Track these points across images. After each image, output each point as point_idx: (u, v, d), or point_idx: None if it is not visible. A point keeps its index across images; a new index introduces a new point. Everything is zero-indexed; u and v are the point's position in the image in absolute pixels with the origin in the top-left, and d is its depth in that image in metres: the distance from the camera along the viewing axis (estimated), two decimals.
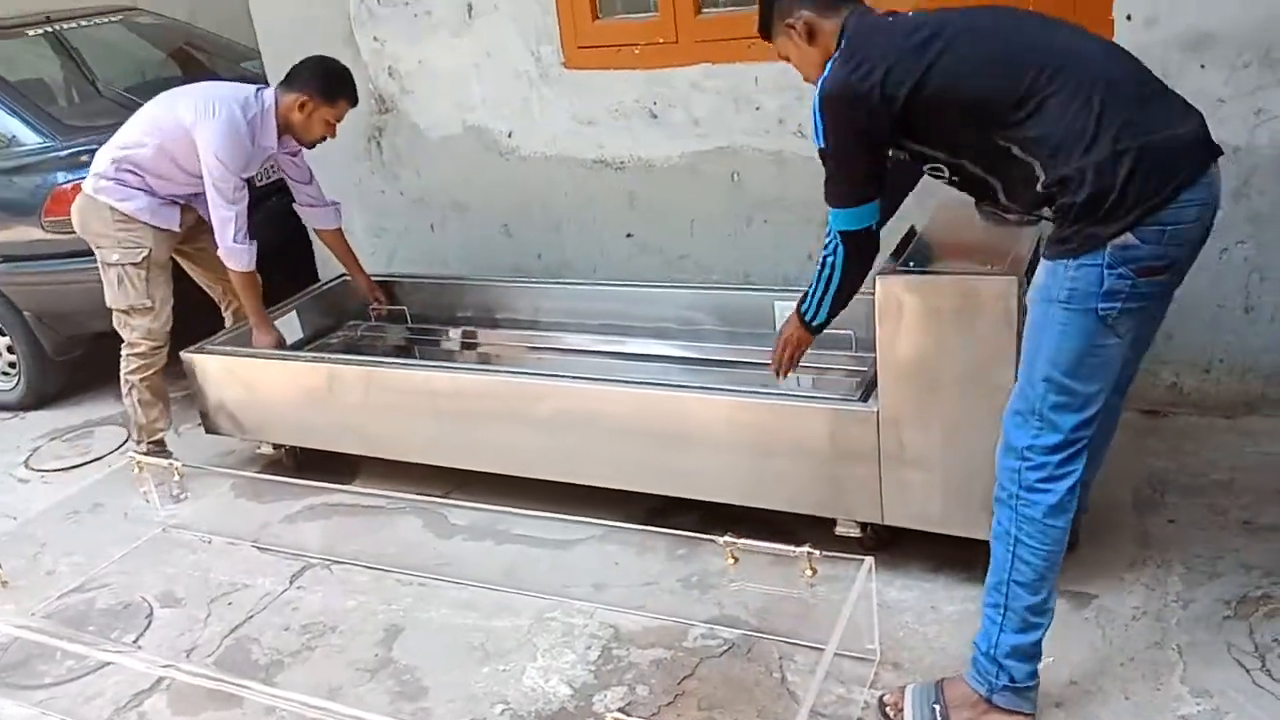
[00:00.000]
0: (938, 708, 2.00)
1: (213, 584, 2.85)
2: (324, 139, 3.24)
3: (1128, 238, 1.73)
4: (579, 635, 2.44)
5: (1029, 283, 2.03)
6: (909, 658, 2.23)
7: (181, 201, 3.27)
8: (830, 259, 2.13)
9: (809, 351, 2.42)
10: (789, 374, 2.42)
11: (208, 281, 3.50)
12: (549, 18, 3.54)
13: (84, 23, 4.66)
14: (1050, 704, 2.04)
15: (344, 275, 3.82)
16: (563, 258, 3.85)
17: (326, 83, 3.13)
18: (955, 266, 2.22)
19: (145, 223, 3.21)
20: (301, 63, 3.18)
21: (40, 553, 3.14)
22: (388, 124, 3.99)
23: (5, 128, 3.93)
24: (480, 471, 3.00)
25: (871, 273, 2.21)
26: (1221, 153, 1.81)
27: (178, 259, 3.42)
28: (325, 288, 3.83)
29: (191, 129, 3.08)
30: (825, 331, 2.33)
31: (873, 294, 2.25)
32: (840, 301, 2.21)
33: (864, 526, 2.51)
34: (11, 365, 4.22)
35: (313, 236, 4.21)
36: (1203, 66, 2.78)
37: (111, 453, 3.78)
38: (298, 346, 3.56)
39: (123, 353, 3.33)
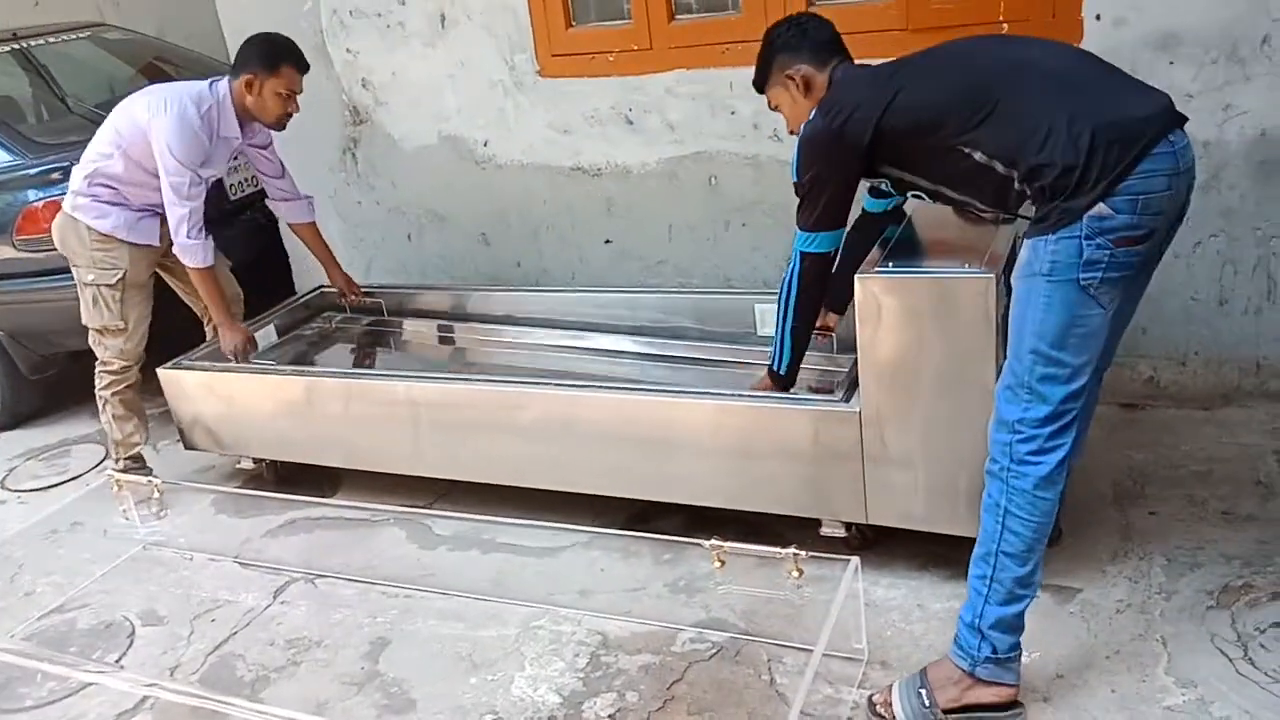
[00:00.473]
0: (923, 692, 2.01)
1: (195, 601, 2.82)
2: (288, 115, 3.15)
3: (1101, 208, 1.80)
4: (567, 643, 2.43)
5: (1007, 280, 2.06)
6: (897, 656, 2.24)
7: (161, 212, 3.23)
8: (787, 279, 2.33)
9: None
10: None
11: (190, 297, 3.47)
12: (522, 26, 3.54)
13: (52, 39, 4.61)
14: (1037, 699, 2.06)
15: (321, 287, 3.80)
16: (541, 265, 3.85)
17: (266, 54, 3.07)
18: (933, 266, 2.23)
19: (123, 240, 3.17)
20: (242, 44, 3.13)
21: (18, 573, 3.10)
22: (362, 135, 3.98)
23: None
24: (463, 481, 2.99)
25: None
26: (1185, 119, 1.86)
27: (160, 273, 3.38)
28: (302, 300, 3.80)
29: (147, 128, 3.05)
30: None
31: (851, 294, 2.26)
32: (799, 336, 2.39)
33: (849, 526, 2.52)
34: None
35: (289, 248, 4.20)
36: (1171, 63, 2.81)
37: (89, 471, 3.74)
38: (272, 345, 3.54)
39: (96, 369, 3.31)
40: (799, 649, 2.28)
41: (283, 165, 3.46)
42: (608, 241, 3.71)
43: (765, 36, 2.32)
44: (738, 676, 2.25)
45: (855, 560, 2.17)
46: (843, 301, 2.44)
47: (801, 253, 2.28)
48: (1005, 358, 1.98)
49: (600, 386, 2.78)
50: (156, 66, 4.84)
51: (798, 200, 2.24)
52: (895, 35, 3.03)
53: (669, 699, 2.21)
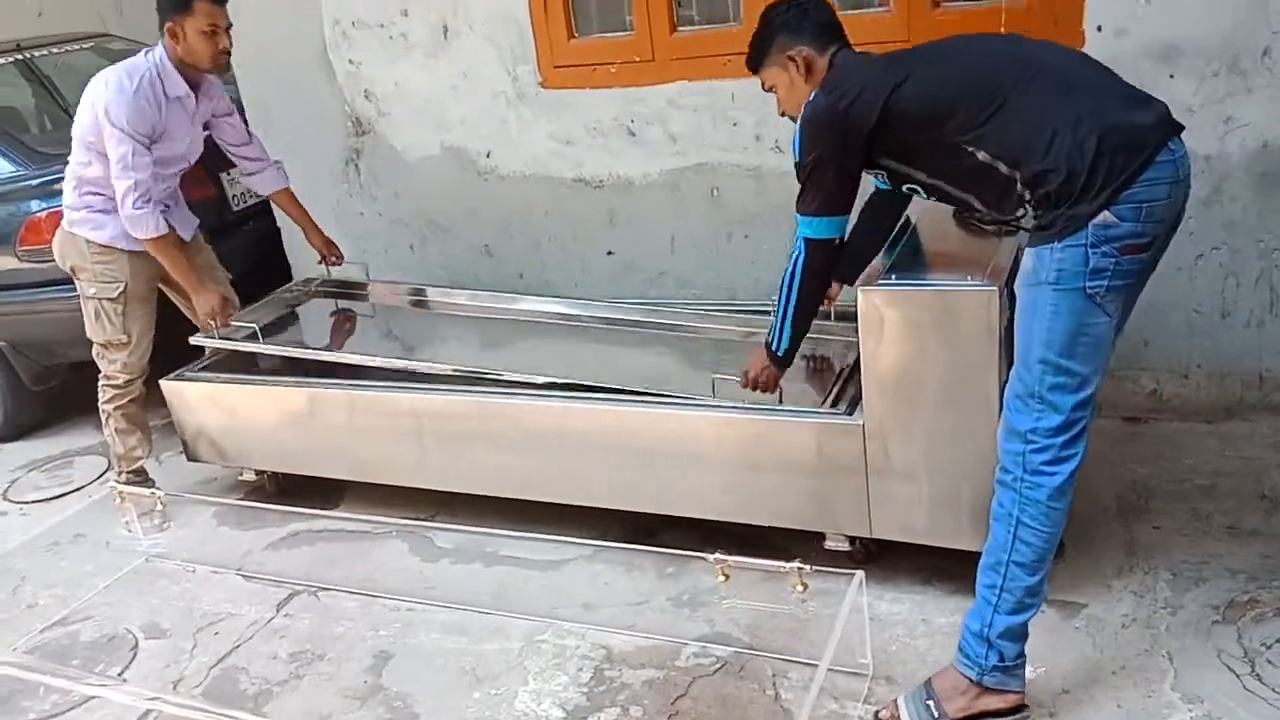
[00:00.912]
0: (931, 704, 2.01)
1: (198, 614, 2.82)
2: (223, 52, 3.03)
3: (1106, 216, 1.81)
4: (570, 657, 2.43)
5: (1010, 292, 2.06)
6: (902, 671, 2.23)
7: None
8: (791, 269, 2.26)
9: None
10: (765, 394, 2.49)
11: (191, 312, 3.42)
12: (525, 38, 3.55)
13: (55, 50, 4.62)
14: (1043, 715, 2.05)
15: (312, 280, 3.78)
16: (544, 276, 3.85)
17: None
18: (935, 278, 2.23)
19: (123, 250, 3.16)
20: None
21: (21, 586, 3.10)
22: (365, 146, 3.98)
23: None
24: (466, 493, 2.99)
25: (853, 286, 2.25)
26: (1183, 128, 1.88)
27: (162, 287, 3.36)
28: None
29: (96, 115, 3.01)
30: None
31: (854, 307, 2.26)
32: (800, 321, 2.32)
33: (853, 540, 2.51)
34: None
35: (292, 258, 4.19)
36: (1172, 76, 2.82)
37: (92, 483, 3.74)
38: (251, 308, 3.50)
39: (100, 383, 3.30)
40: (804, 664, 2.27)
41: (249, 132, 3.42)
42: (610, 253, 3.71)
43: (763, 16, 2.27)
44: (742, 691, 2.25)
45: (860, 574, 2.16)
46: (852, 272, 2.35)
47: (806, 239, 2.22)
48: (1011, 367, 1.98)
49: (601, 398, 2.77)
50: None
51: (800, 184, 2.19)
52: (896, 46, 3.02)
53: (673, 714, 2.21)
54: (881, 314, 2.24)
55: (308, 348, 3.30)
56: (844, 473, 2.41)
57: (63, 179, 3.43)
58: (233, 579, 2.96)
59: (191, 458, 3.36)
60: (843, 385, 2.59)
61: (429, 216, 3.98)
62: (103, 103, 2.97)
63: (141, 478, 3.38)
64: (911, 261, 2.33)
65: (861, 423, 2.35)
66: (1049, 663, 2.17)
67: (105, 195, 3.12)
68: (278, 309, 3.56)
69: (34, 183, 3.80)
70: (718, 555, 2.30)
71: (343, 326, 3.61)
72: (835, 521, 2.50)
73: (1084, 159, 1.81)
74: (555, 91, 3.58)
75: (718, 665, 2.34)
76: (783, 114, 2.30)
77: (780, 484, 2.51)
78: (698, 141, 3.43)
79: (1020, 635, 1.98)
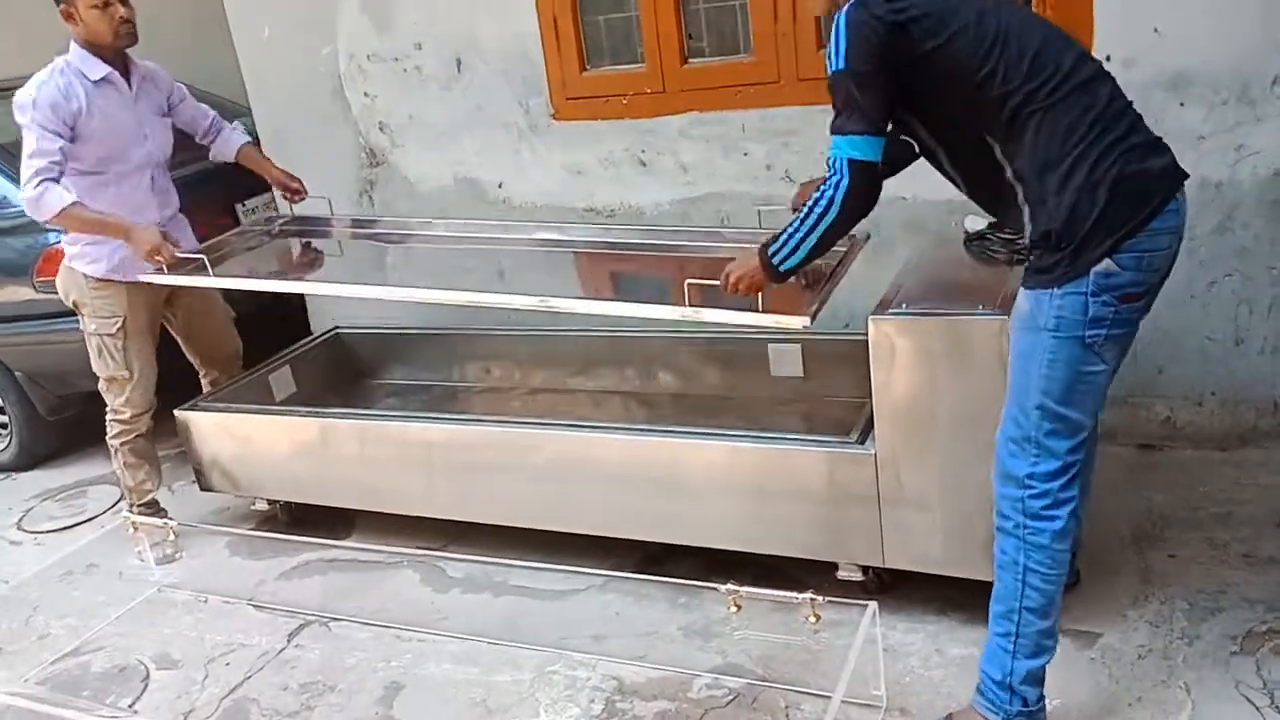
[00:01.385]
0: None
1: (209, 644, 2.82)
2: (124, 22, 2.97)
3: (1109, 265, 1.79)
4: (582, 688, 2.42)
5: None
6: (916, 703, 2.21)
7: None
8: (829, 193, 1.98)
9: None
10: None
11: (188, 349, 3.44)
12: (537, 70, 3.59)
13: None
14: None
15: (336, 328, 3.83)
16: None
17: None
18: (946, 307, 2.23)
19: (120, 281, 3.10)
20: None
21: (33, 615, 3.11)
22: (379, 177, 4.02)
23: None
24: (476, 523, 2.99)
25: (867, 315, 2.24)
26: (1188, 176, 1.88)
27: (165, 325, 3.34)
28: (319, 341, 3.82)
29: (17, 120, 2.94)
30: None
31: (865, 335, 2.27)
32: (821, 248, 2.08)
33: (866, 570, 2.50)
34: (3, 426, 4.20)
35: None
36: (1182, 104, 2.83)
37: (105, 512, 3.75)
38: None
39: (107, 418, 3.29)
40: (817, 695, 2.25)
41: (203, 109, 3.36)
42: None
43: None
44: None
45: (873, 605, 2.15)
46: None
47: (851, 161, 1.93)
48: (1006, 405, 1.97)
49: (612, 428, 2.78)
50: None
51: (835, 98, 1.94)
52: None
53: None
54: (893, 343, 2.24)
55: (260, 278, 3.17)
56: (856, 502, 2.40)
57: None
58: (244, 609, 2.96)
59: (204, 487, 3.37)
60: (823, 295, 2.40)
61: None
62: (16, 103, 2.92)
63: (153, 509, 3.38)
64: (922, 290, 2.34)
65: (874, 452, 2.34)
66: (1064, 694, 2.15)
67: None
68: (233, 245, 3.39)
69: None
70: (730, 586, 2.29)
71: (301, 260, 3.48)
72: (847, 551, 2.48)
73: (1095, 204, 1.78)
74: (567, 123, 3.61)
75: (730, 697, 2.32)
76: (818, 17, 2.17)
77: (792, 513, 2.50)
78: (708, 171, 3.45)
79: (1040, 678, 1.97)
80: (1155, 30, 2.78)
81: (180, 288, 3.24)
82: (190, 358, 3.47)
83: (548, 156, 3.69)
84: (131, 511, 3.34)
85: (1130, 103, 1.90)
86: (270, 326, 3.97)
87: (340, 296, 3.31)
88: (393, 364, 3.79)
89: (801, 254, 2.10)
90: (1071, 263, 1.81)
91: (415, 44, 3.75)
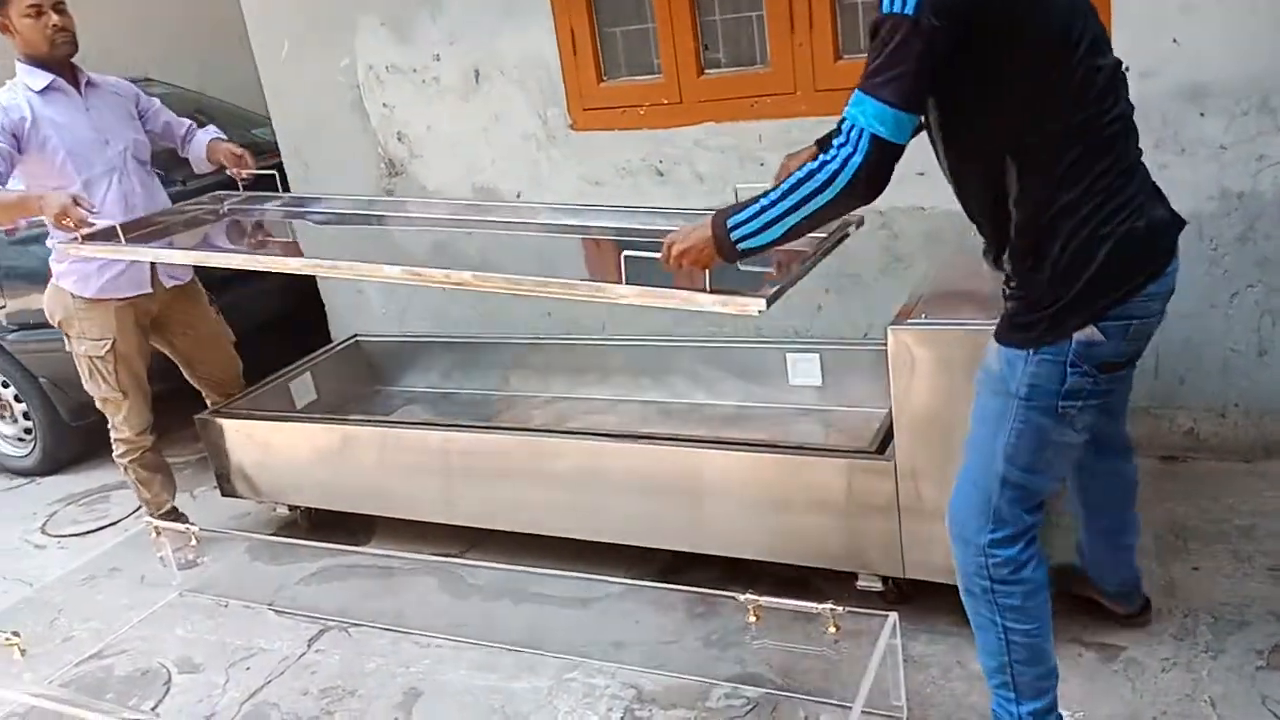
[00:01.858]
0: None
1: (230, 648, 2.84)
2: (59, 30, 2.92)
3: (1092, 332, 1.65)
4: (600, 696, 2.42)
5: None
6: (937, 715, 2.21)
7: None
8: (833, 166, 1.63)
9: None
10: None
11: (189, 375, 3.40)
12: (555, 81, 3.61)
13: None
14: None
15: (356, 336, 3.85)
16: (572, 314, 3.88)
17: None
18: (966, 318, 2.23)
19: (109, 301, 3.06)
20: None
21: (57, 618, 3.13)
22: (397, 187, 4.05)
23: None
24: (496, 530, 3.00)
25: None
26: (1186, 224, 1.75)
27: (163, 349, 3.30)
28: (339, 349, 3.84)
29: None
30: None
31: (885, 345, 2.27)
32: (799, 230, 1.73)
33: (885, 580, 2.49)
34: (28, 431, 4.25)
35: (328, 302, 4.26)
36: (1202, 115, 2.82)
37: (127, 517, 3.78)
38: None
39: (111, 436, 3.28)
40: (836, 705, 2.25)
41: (178, 118, 3.35)
42: None
43: None
44: None
45: (893, 616, 2.14)
46: None
47: (872, 135, 1.59)
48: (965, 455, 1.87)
49: (632, 437, 2.79)
50: (198, 119, 4.95)
51: (878, 49, 1.59)
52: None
53: None
54: (912, 353, 2.24)
55: (179, 249, 3.01)
56: (876, 512, 2.40)
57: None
58: (265, 614, 2.98)
59: (226, 493, 3.40)
60: (788, 278, 2.15)
61: None
62: None
63: (173, 516, 3.39)
64: (941, 301, 2.33)
65: (893, 462, 2.34)
66: (1087, 708, 2.14)
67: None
68: (170, 221, 3.22)
69: None
70: (749, 595, 2.29)
71: (234, 235, 3.33)
72: (867, 561, 2.48)
73: (1092, 261, 1.60)
74: (585, 133, 3.63)
75: (749, 706, 2.32)
76: None
77: (811, 523, 2.50)
78: (725, 182, 3.45)
79: (1050, 709, 1.94)
80: (1174, 41, 2.77)
81: (175, 315, 3.24)
82: (192, 382, 3.41)
83: (565, 166, 3.70)
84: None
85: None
86: (291, 334, 4.01)
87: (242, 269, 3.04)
88: (412, 371, 3.81)
89: (771, 235, 1.73)
90: (1051, 326, 1.65)
91: (434, 55, 3.78)
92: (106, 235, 2.85)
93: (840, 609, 2.18)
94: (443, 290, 4.08)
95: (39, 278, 3.86)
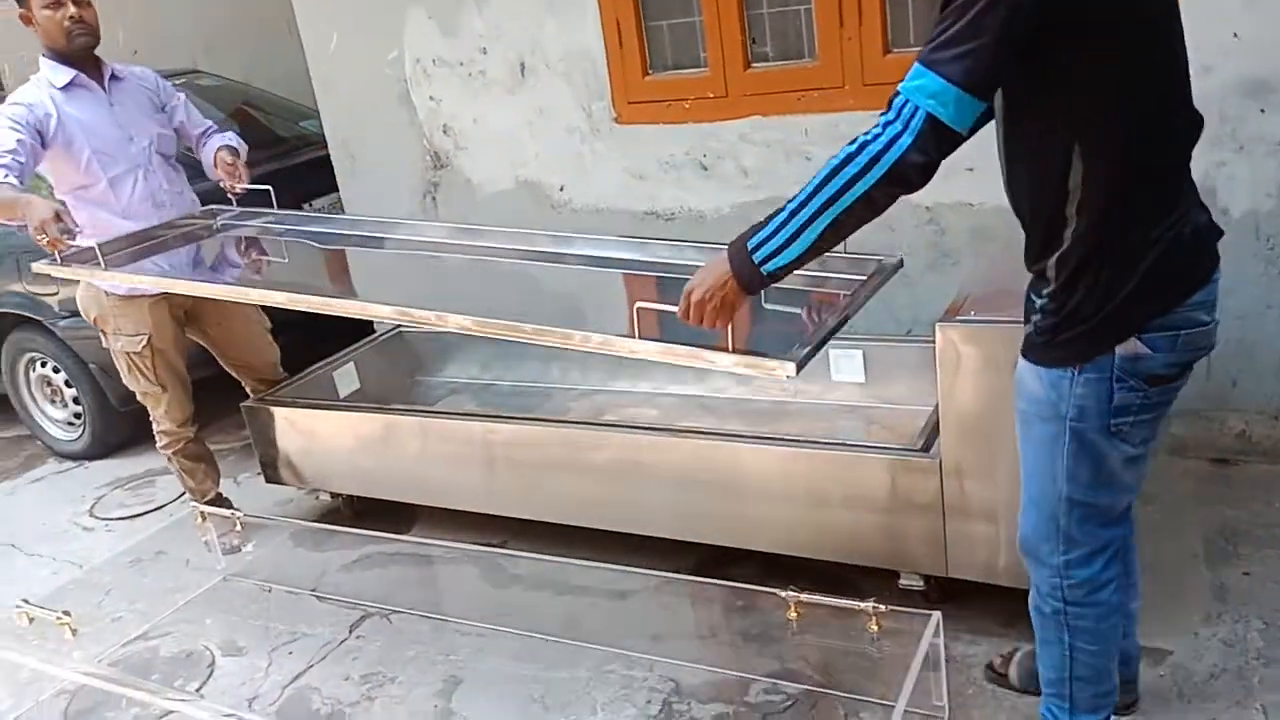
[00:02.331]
0: None
1: (273, 633, 2.88)
2: (78, 23, 2.90)
3: (1136, 346, 1.55)
4: (639, 688, 2.42)
5: None
6: (979, 716, 2.19)
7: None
8: (875, 148, 1.45)
9: None
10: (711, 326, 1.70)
11: (225, 363, 3.40)
12: (600, 75, 3.61)
13: None
14: None
15: (398, 327, 3.84)
16: None
17: None
18: (1014, 315, 2.19)
19: (143, 295, 3.03)
20: None
21: (105, 600, 3.20)
22: (443, 179, 4.08)
23: None
24: (537, 521, 3.01)
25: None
26: (1224, 233, 1.67)
27: (198, 339, 3.29)
28: (382, 339, 3.87)
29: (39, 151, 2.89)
30: None
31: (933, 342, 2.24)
32: (833, 234, 1.53)
33: (928, 579, 2.47)
34: (77, 416, 4.33)
35: None
36: (1263, 111, 2.76)
37: (173, 501, 3.84)
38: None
39: (154, 428, 3.31)
40: (877, 704, 2.24)
41: (199, 118, 3.26)
42: None
43: None
44: None
45: (937, 615, 2.12)
46: None
47: (928, 114, 1.42)
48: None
49: (674, 430, 2.78)
50: (246, 111, 5.04)
51: (953, 18, 1.42)
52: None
53: None
54: (959, 350, 2.21)
55: (157, 274, 2.87)
56: (919, 511, 2.38)
57: None
58: (308, 599, 3.02)
59: (269, 480, 3.44)
60: (819, 336, 1.89)
61: None
62: None
63: (218, 503, 3.42)
64: (990, 298, 2.31)
65: (939, 460, 2.32)
66: (1133, 714, 2.10)
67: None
68: (159, 235, 3.09)
69: None
70: (791, 592, 2.28)
71: (223, 254, 3.19)
72: (910, 560, 2.46)
73: (1134, 271, 1.50)
74: (629, 127, 3.63)
75: (788, 703, 2.31)
76: None
77: (853, 520, 2.48)
78: (770, 176, 3.45)
79: None
80: (1234, 35, 2.72)
81: (208, 307, 3.13)
82: (229, 371, 3.41)
83: (609, 160, 3.71)
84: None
85: None
86: (334, 325, 4.04)
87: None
88: (453, 362, 3.84)
89: (801, 244, 1.54)
90: (1093, 340, 1.56)
91: (480, 49, 3.80)
92: (87, 256, 2.77)
93: (883, 607, 2.16)
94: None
95: None
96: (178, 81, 4.95)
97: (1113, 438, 1.62)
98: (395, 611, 2.88)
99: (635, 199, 3.70)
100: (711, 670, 2.45)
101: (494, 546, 3.10)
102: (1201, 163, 2.77)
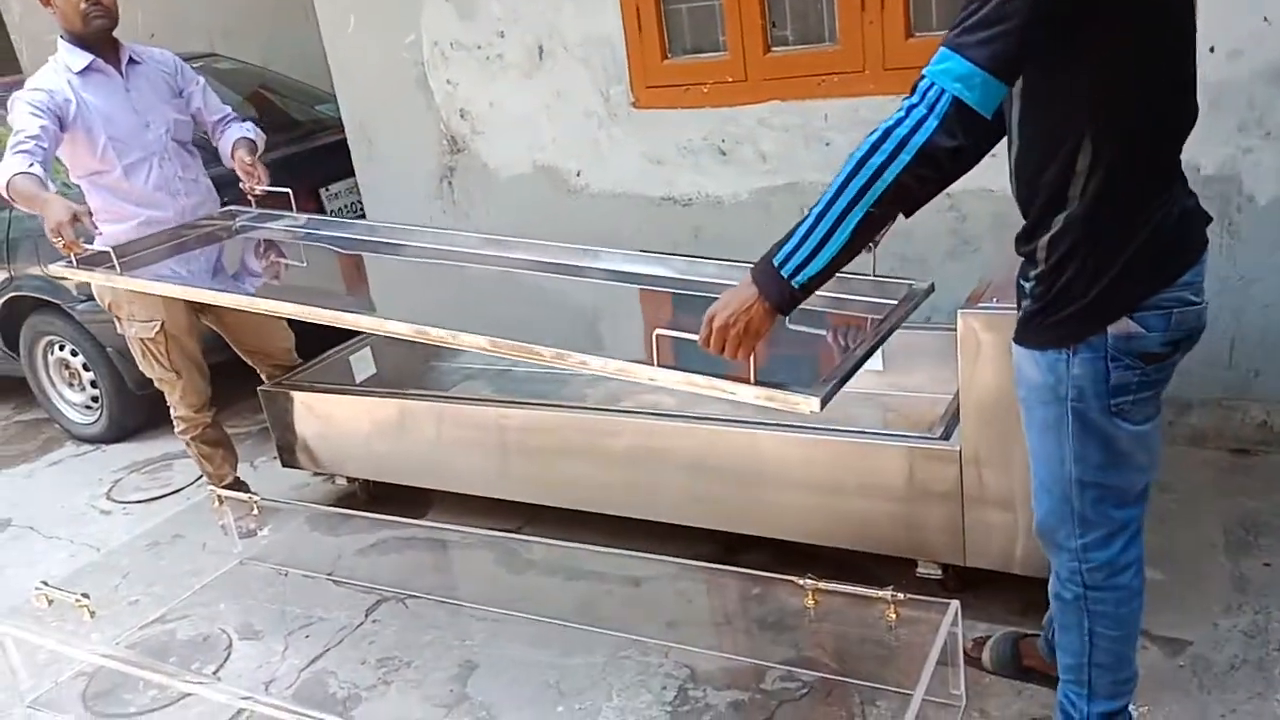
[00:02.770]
0: None
1: (290, 617, 2.89)
2: (96, 4, 2.88)
3: (1129, 325, 1.55)
4: (654, 675, 2.42)
5: None
6: (996, 704, 2.18)
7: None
8: (900, 133, 1.42)
9: None
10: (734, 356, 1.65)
11: (239, 350, 3.38)
12: (619, 58, 3.59)
13: None
14: None
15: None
16: None
17: None
18: None
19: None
20: None
21: (122, 583, 3.21)
22: (459, 164, 4.07)
23: None
24: (553, 507, 3.01)
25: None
26: (1211, 219, 1.66)
27: (212, 326, 3.27)
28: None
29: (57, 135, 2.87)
30: None
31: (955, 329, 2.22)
32: (860, 237, 1.49)
33: (945, 568, 2.46)
34: (94, 399, 4.35)
35: None
36: None
37: (190, 485, 3.86)
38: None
39: (171, 413, 3.32)
40: (893, 692, 2.23)
41: (217, 104, 3.23)
42: None
43: None
44: (829, 718, 2.21)
45: (955, 605, 2.11)
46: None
47: (954, 97, 1.40)
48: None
49: (691, 417, 2.77)
50: (263, 95, 5.03)
51: (973, 5, 1.41)
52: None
53: None
54: (979, 338, 2.20)
55: (175, 283, 2.79)
56: (938, 499, 2.36)
57: None
58: (324, 583, 3.03)
59: (286, 464, 3.45)
60: (846, 367, 1.85)
61: (519, 233, 4.02)
62: (9, 100, 2.87)
63: (236, 488, 3.43)
64: (1009, 286, 2.28)
65: (958, 448, 2.30)
66: (1152, 702, 2.09)
67: (123, 219, 3.01)
68: (178, 237, 3.08)
69: None
70: (809, 579, 2.27)
71: (242, 258, 3.14)
72: (928, 549, 2.45)
73: (1124, 250, 1.51)
74: (647, 111, 3.61)
75: (804, 690, 2.31)
76: None
77: (871, 508, 2.47)
78: (789, 161, 3.42)
79: (1122, 710, 1.88)
80: (1265, 20, 2.67)
81: None
82: (243, 356, 3.39)
83: (626, 144, 3.69)
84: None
85: None
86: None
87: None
88: None
89: (832, 247, 1.49)
90: (1086, 319, 1.56)
91: (498, 32, 3.78)
92: (102, 259, 2.74)
93: (901, 595, 2.16)
94: None
95: None
96: (195, 65, 4.97)
97: (1115, 417, 1.62)
98: (411, 596, 2.88)
99: (652, 184, 3.69)
100: (727, 657, 2.45)
101: (509, 532, 3.10)
102: (1227, 149, 2.76)
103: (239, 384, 3.65)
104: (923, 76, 1.45)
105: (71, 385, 4.43)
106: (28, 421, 4.77)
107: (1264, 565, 2.49)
